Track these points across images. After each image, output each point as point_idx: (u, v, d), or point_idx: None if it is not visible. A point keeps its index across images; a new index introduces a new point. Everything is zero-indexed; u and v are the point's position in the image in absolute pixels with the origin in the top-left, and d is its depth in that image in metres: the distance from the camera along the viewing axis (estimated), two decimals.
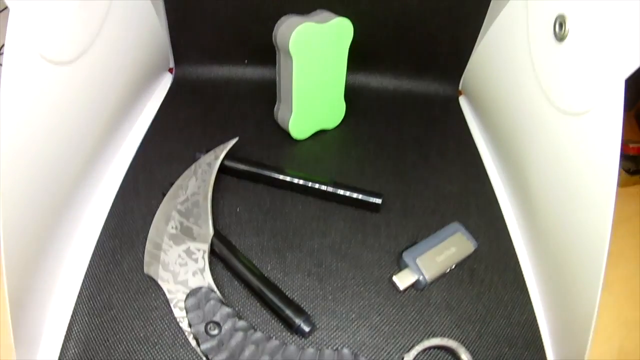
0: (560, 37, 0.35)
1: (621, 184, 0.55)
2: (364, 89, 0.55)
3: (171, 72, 0.57)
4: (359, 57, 0.53)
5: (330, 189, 0.41)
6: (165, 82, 0.56)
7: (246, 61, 0.55)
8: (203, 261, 0.36)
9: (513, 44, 0.43)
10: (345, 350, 0.31)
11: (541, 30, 0.38)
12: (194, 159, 0.44)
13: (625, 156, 0.58)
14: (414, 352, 0.32)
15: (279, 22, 0.43)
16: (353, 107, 0.51)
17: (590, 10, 0.32)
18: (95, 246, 0.38)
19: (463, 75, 0.56)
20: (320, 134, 0.49)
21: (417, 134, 0.50)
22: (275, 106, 0.48)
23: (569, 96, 0.35)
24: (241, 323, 0.32)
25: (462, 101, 0.56)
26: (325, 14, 0.44)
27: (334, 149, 0.47)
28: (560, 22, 0.35)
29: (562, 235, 0.35)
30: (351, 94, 0.50)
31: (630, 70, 0.28)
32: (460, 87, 0.57)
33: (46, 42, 0.31)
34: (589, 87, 0.32)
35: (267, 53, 0.55)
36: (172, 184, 0.42)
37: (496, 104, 0.47)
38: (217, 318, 0.32)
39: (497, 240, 0.41)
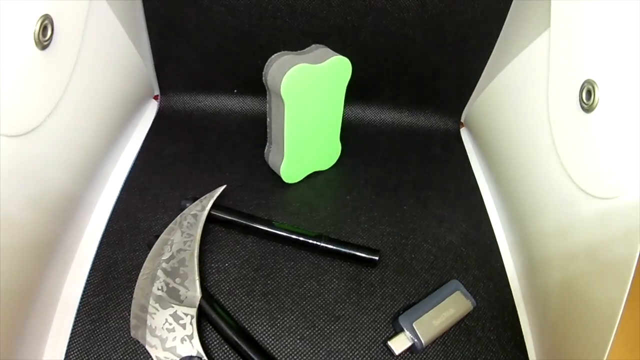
0: (587, 107, 0.31)
1: None
2: (361, 122, 0.53)
3: (156, 100, 0.55)
4: (357, 89, 0.51)
5: (324, 244, 0.40)
6: (150, 111, 0.54)
7: (235, 91, 0.53)
8: (191, 327, 0.35)
9: (529, 94, 0.40)
10: None
11: (564, 92, 0.34)
12: (181, 208, 0.42)
13: None
14: None
15: (269, 60, 0.41)
16: (349, 144, 0.50)
17: (626, 79, 0.28)
18: (80, 302, 0.37)
19: (466, 108, 0.54)
20: (314, 175, 0.47)
21: (416, 175, 0.49)
22: (266, 147, 0.46)
23: (593, 178, 0.31)
24: None
25: (464, 134, 0.55)
26: (321, 50, 0.42)
27: (328, 195, 0.45)
28: (589, 90, 0.30)
29: (567, 295, 0.34)
30: (347, 128, 0.49)
31: None
32: (462, 119, 0.56)
33: (4, 122, 0.28)
34: (618, 173, 0.28)
35: (258, 83, 0.52)
36: (157, 237, 0.41)
37: (503, 151, 0.45)
38: None
39: (496, 295, 0.40)
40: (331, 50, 0.42)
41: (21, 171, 0.31)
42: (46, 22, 0.29)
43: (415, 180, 0.48)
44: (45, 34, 0.30)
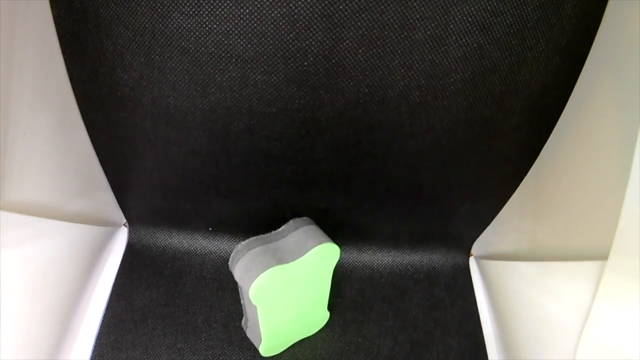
0: None
1: None
2: (354, 266, 0.47)
3: (127, 227, 0.48)
4: (351, 232, 0.43)
5: None
6: (121, 241, 0.47)
7: (210, 229, 0.46)
8: None
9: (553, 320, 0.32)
10: None
11: None
12: None
13: None
14: None
15: (234, 252, 0.35)
16: (339, 296, 0.45)
17: None
18: None
19: (477, 240, 0.46)
20: (299, 344, 0.42)
21: (414, 332, 0.44)
22: (243, 319, 0.41)
23: None
24: None
25: (473, 267, 0.48)
26: (301, 230, 0.35)
27: None
28: None
29: None
30: (338, 274, 0.42)
31: None
32: (471, 250, 0.48)
33: None
34: None
35: (234, 223, 0.45)
36: None
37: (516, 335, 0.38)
38: None
39: None
40: (314, 228, 0.35)
41: None
42: None
43: (414, 339, 0.43)
44: None
